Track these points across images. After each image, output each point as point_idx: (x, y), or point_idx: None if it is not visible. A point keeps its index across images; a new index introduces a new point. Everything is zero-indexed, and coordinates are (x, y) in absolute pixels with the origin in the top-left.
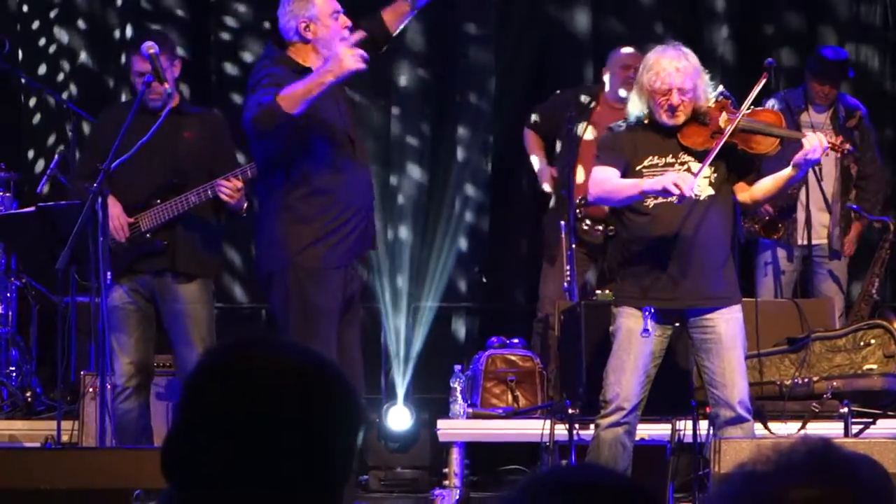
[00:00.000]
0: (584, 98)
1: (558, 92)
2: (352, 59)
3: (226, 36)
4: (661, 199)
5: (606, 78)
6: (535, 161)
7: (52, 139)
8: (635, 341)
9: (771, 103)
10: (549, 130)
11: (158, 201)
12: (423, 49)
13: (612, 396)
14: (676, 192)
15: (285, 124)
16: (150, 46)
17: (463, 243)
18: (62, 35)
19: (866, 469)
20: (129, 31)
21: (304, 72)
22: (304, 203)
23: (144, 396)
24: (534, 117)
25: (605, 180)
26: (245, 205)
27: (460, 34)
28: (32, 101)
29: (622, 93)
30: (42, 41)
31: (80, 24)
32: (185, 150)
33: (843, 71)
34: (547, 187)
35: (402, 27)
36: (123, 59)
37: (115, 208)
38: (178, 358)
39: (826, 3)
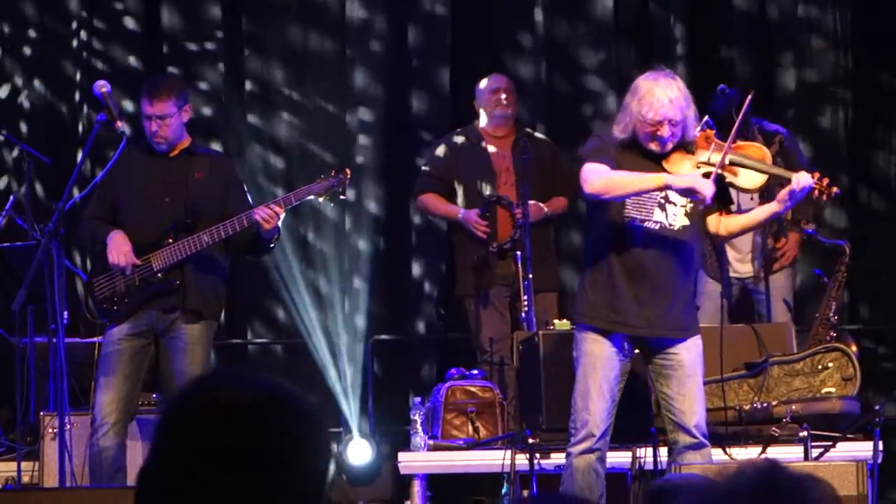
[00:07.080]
0: (458, 139)
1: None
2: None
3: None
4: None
5: (481, 112)
6: (456, 210)
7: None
8: (601, 366)
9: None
10: (445, 183)
11: (170, 241)
12: None
13: (581, 423)
14: (706, 193)
15: None
16: (101, 85)
17: (419, 275)
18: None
19: (813, 488)
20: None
21: None
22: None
23: (122, 434)
24: (425, 176)
25: (608, 171)
26: (276, 235)
27: None
28: None
29: (497, 112)
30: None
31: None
32: (197, 190)
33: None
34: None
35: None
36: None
37: (124, 245)
38: (169, 394)
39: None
